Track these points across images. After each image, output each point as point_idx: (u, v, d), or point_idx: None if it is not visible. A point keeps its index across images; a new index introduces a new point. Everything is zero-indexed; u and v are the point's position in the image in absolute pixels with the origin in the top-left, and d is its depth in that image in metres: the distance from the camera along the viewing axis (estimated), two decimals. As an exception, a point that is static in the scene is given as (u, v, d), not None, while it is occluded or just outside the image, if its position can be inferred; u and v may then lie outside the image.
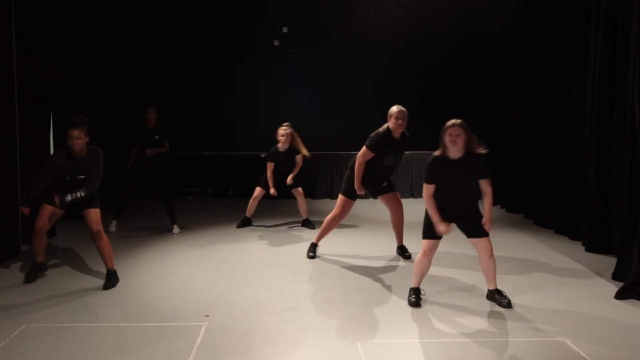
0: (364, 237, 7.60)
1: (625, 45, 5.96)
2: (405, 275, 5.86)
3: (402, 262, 6.35)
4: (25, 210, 5.33)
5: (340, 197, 6.41)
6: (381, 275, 5.86)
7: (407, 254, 6.53)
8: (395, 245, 6.64)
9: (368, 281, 5.68)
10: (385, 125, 6.11)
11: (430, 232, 4.89)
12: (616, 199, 6.22)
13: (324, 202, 10.24)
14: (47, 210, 5.43)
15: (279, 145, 7.98)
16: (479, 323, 4.57)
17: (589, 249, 6.71)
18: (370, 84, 10.97)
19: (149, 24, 10.68)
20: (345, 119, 10.95)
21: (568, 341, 4.20)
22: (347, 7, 11.06)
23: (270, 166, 7.96)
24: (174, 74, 10.96)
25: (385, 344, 4.16)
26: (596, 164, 6.61)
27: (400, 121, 6.03)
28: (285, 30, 11.04)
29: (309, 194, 10.74)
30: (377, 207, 9.83)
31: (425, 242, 4.93)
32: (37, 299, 5.06)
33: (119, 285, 5.46)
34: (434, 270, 6.01)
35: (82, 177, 5.33)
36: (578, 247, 6.89)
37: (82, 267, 6.10)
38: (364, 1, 11.13)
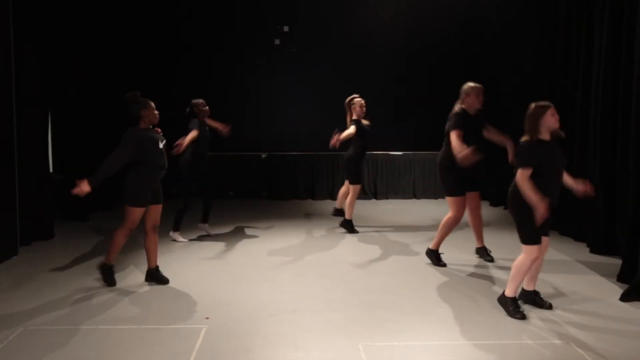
0: (365, 239, 7.54)
1: (629, 45, 5.91)
2: (407, 276, 5.83)
3: (404, 264, 6.29)
4: (84, 187, 4.93)
5: (449, 198, 6.03)
6: (383, 277, 5.81)
7: (489, 257, 6.35)
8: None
9: (370, 283, 5.62)
10: (457, 107, 5.98)
11: (537, 236, 4.56)
12: (621, 200, 6.17)
13: (326, 203, 10.19)
14: (149, 208, 5.34)
15: (358, 116, 7.70)
16: (483, 326, 4.52)
17: (594, 250, 6.66)
18: (372, 84, 10.90)
19: (149, 23, 10.64)
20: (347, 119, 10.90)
21: (573, 344, 4.15)
22: (349, 5, 11.02)
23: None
24: (173, 74, 10.92)
25: (388, 347, 4.12)
26: (601, 165, 6.56)
27: (481, 97, 5.95)
28: (286, 29, 10.99)
29: (310, 195, 10.71)
30: (379, 208, 9.79)
31: (534, 248, 4.55)
32: (35, 301, 5.01)
33: (118, 287, 5.41)
34: (435, 273, 5.97)
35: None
36: (583, 249, 6.84)
37: (80, 268, 6.04)
38: (365, 0, 11.09)
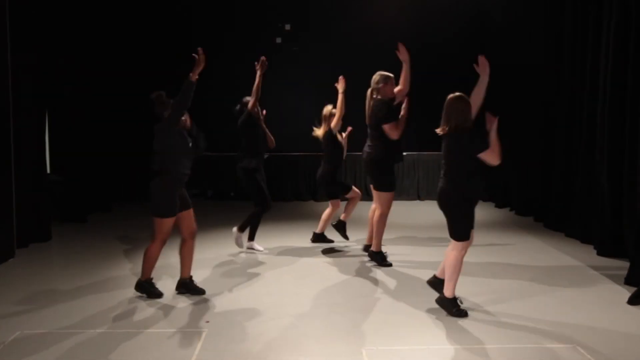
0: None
1: (637, 43, 5.84)
2: (410, 280, 5.77)
3: (407, 267, 6.21)
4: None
5: (383, 194, 6.03)
6: (385, 280, 5.74)
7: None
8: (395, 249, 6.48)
9: (372, 286, 5.56)
10: (381, 97, 6.17)
11: (468, 233, 4.71)
12: (628, 202, 6.09)
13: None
14: (180, 216, 5.14)
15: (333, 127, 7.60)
16: (487, 329, 4.46)
17: (601, 252, 6.58)
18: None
19: (148, 23, 10.58)
20: (349, 120, 10.82)
21: (579, 348, 4.10)
22: (351, 4, 10.97)
23: None
24: (173, 73, 10.83)
25: (391, 351, 4.07)
26: (608, 166, 6.47)
27: (394, 86, 6.25)
28: (287, 27, 10.93)
29: (312, 196, 10.64)
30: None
31: (465, 244, 4.71)
32: (33, 305, 4.96)
33: (117, 290, 5.34)
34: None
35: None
36: (589, 251, 6.76)
37: (78, 271, 5.98)
38: (366, -1, 11.05)
